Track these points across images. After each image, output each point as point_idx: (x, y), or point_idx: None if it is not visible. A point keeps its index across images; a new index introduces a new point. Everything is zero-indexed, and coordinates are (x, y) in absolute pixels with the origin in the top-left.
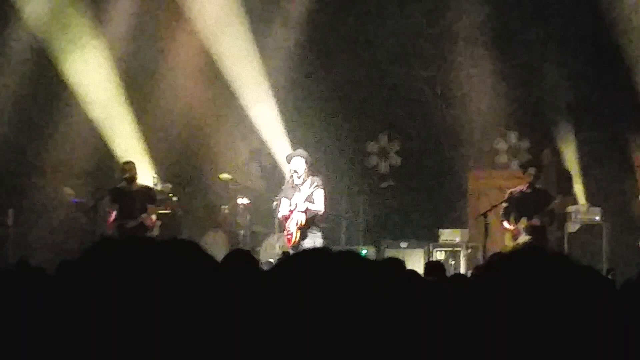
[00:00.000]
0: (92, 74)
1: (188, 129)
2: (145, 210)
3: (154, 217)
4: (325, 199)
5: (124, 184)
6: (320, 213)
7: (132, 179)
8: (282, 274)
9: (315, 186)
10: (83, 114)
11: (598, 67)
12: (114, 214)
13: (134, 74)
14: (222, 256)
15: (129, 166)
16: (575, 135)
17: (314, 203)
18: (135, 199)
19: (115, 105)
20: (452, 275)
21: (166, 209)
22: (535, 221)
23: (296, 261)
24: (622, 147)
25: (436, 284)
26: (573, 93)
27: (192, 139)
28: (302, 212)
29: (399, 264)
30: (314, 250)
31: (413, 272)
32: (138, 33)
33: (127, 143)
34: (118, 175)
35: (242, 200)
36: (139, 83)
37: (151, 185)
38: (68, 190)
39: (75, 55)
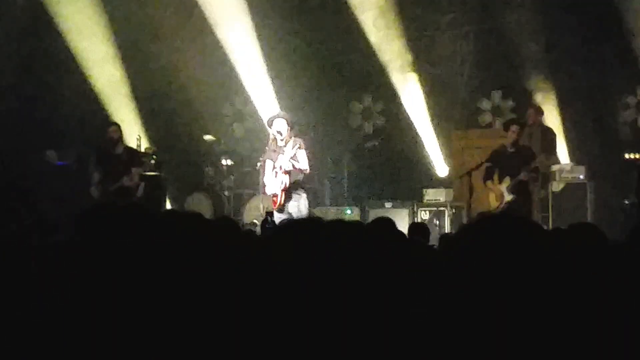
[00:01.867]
0: (81, 33)
1: (173, 90)
2: (129, 173)
3: (137, 178)
4: (309, 159)
5: (108, 145)
6: (305, 172)
7: (117, 141)
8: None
9: (298, 147)
10: (70, 75)
11: (584, 24)
12: (97, 176)
13: (123, 34)
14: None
15: (114, 128)
16: (559, 93)
17: (298, 162)
18: (119, 161)
19: (103, 65)
20: (441, 236)
21: (151, 171)
22: (523, 175)
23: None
24: (607, 104)
25: (422, 245)
26: (558, 51)
27: (176, 100)
28: (286, 173)
29: (390, 223)
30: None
31: (401, 233)
32: None
33: (114, 104)
34: (104, 137)
35: (226, 162)
36: (126, 43)
37: (135, 146)
38: (51, 153)
39: (66, 13)
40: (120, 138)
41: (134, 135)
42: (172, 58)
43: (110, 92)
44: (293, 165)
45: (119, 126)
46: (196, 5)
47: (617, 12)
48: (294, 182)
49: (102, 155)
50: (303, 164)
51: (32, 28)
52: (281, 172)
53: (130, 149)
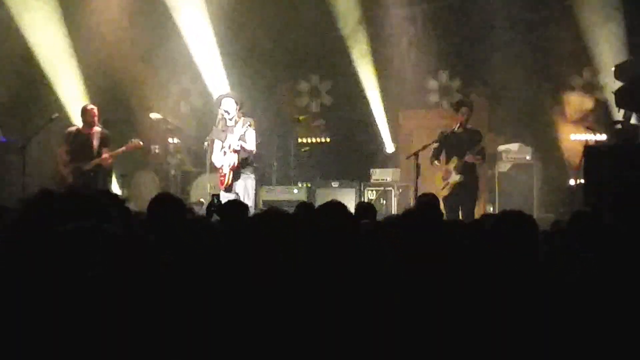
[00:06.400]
0: (27, 9)
1: (119, 67)
2: (100, 154)
3: (107, 155)
4: (257, 139)
5: (82, 126)
6: (252, 153)
7: (93, 123)
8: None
9: (248, 125)
10: (14, 51)
11: (533, 3)
12: (65, 155)
13: (71, 12)
14: (152, 196)
15: (94, 111)
16: (507, 73)
17: (246, 142)
18: (92, 141)
19: (49, 42)
20: (384, 218)
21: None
22: (469, 158)
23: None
24: (554, 85)
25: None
26: (505, 31)
27: (123, 77)
28: (235, 152)
29: (341, 207)
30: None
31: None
32: None
33: (59, 80)
34: (56, 114)
35: (173, 140)
36: (73, 21)
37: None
38: None
39: None
40: (95, 121)
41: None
42: (118, 34)
43: (56, 69)
44: (241, 146)
45: (95, 110)
46: None
47: None
48: (242, 161)
49: (73, 135)
50: (250, 144)
51: None
52: (230, 151)
53: (102, 131)
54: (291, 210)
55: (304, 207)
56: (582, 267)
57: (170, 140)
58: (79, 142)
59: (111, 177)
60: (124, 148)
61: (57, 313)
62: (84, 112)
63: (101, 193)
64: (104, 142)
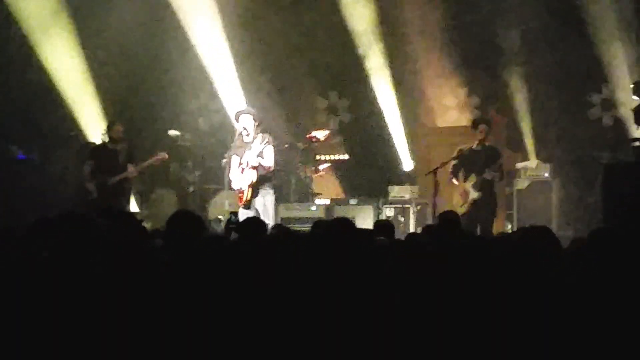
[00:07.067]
0: (44, 29)
1: (138, 84)
2: (125, 169)
3: (133, 169)
4: (275, 155)
5: (107, 142)
6: (269, 169)
7: (118, 139)
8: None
9: (266, 142)
10: (33, 71)
11: (552, 22)
12: (88, 169)
13: (87, 29)
14: (171, 213)
15: (119, 128)
16: (525, 91)
17: (264, 159)
18: (118, 157)
19: (67, 60)
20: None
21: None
22: (487, 175)
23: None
24: (572, 102)
25: (386, 245)
26: (525, 49)
27: (141, 94)
28: (254, 168)
29: (348, 224)
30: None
31: (365, 231)
32: None
33: (77, 98)
34: (75, 132)
35: (191, 157)
36: (90, 39)
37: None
38: (14, 149)
39: (28, 9)
40: (120, 137)
41: (100, 131)
42: (138, 53)
43: (74, 87)
44: (259, 162)
45: (121, 126)
46: (164, 1)
47: (582, 13)
48: (261, 178)
49: (97, 151)
50: (268, 161)
51: None
52: (248, 168)
53: (128, 147)
54: (309, 226)
55: (321, 225)
56: (600, 277)
57: (188, 157)
58: (106, 157)
59: (130, 194)
60: (150, 161)
61: (57, 313)
62: (111, 127)
63: (110, 214)
64: (130, 157)
